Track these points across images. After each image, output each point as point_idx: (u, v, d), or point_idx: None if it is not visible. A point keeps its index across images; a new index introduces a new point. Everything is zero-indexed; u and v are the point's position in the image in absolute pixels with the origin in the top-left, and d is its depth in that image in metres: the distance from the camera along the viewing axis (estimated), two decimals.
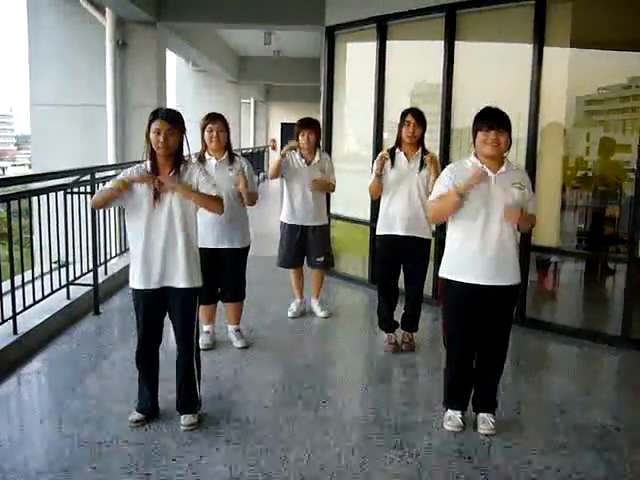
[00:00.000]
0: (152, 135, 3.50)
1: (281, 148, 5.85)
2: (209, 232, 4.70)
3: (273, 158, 5.86)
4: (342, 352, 5.18)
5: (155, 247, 3.58)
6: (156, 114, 3.53)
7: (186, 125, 3.65)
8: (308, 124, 5.62)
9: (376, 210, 5.26)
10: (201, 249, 3.97)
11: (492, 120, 3.52)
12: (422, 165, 4.88)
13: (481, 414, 3.78)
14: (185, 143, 3.64)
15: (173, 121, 3.53)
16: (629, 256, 5.36)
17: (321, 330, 5.69)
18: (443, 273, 3.74)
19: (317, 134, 5.66)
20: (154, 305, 3.68)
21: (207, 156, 4.81)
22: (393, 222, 4.95)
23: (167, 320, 3.78)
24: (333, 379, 4.56)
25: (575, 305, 6.44)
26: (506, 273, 3.60)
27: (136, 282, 3.64)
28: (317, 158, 5.65)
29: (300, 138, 5.58)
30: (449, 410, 3.82)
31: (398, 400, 4.20)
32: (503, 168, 3.56)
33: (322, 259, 5.87)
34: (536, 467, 3.35)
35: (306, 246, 5.82)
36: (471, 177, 3.50)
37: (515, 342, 5.11)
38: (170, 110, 3.70)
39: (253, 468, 3.27)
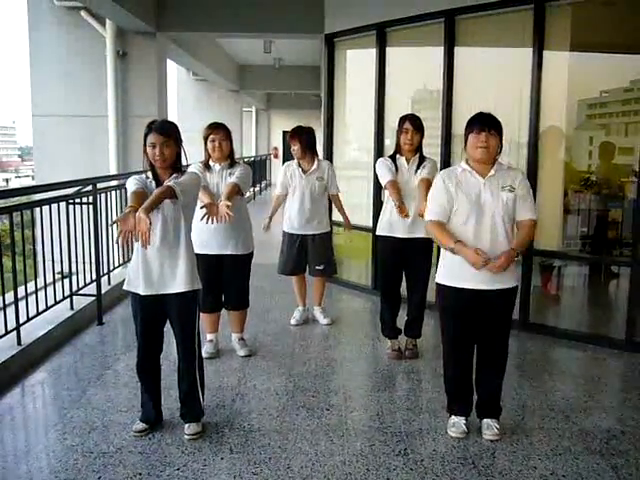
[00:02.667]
0: (148, 149, 3.53)
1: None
2: (212, 238, 4.71)
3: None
4: (345, 359, 5.16)
5: (151, 252, 3.58)
6: (150, 128, 3.55)
7: (187, 134, 3.66)
8: (292, 135, 5.69)
9: (378, 216, 5.25)
10: (204, 255, 3.97)
11: (483, 123, 3.54)
12: (418, 167, 4.89)
13: (485, 420, 3.77)
14: (182, 153, 3.65)
15: (167, 133, 3.55)
16: (632, 259, 5.35)
17: (324, 337, 5.68)
18: (438, 278, 3.76)
19: (305, 142, 5.64)
20: (152, 313, 3.68)
21: (211, 163, 4.81)
22: (394, 225, 4.95)
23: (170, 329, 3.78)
24: (337, 386, 4.55)
25: (578, 309, 6.43)
26: (500, 276, 3.58)
27: (134, 287, 3.64)
28: (314, 166, 5.67)
29: (292, 149, 5.70)
30: (453, 416, 3.82)
31: (402, 407, 4.18)
32: (492, 171, 3.56)
33: (322, 267, 5.87)
34: (541, 472, 3.33)
35: (307, 254, 5.83)
36: (471, 256, 3.48)
37: (518, 347, 5.13)
38: (164, 122, 3.71)
39: (257, 476, 3.26)
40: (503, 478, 3.28)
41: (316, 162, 5.70)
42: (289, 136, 5.71)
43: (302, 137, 5.66)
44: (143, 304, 3.65)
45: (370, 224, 7.00)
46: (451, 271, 3.67)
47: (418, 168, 4.90)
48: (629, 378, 4.96)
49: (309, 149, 5.70)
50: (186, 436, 3.68)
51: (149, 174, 3.63)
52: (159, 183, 3.58)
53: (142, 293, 3.61)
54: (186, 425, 3.73)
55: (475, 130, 3.54)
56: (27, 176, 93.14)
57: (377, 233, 5.13)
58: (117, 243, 3.28)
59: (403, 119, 4.94)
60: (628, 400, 4.40)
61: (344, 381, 4.70)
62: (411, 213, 4.87)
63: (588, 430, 3.84)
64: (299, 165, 5.70)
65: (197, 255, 3.86)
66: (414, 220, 4.88)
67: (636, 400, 4.37)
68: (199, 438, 3.67)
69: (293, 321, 5.98)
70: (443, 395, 4.15)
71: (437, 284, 3.78)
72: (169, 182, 3.52)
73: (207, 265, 4.60)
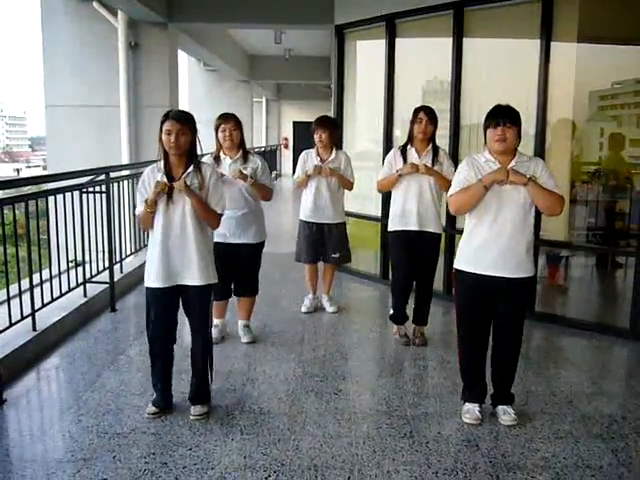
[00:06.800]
0: (164, 136, 3.60)
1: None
2: (224, 227, 4.77)
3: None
4: (354, 346, 5.25)
5: (170, 245, 3.69)
6: (167, 115, 3.64)
7: (197, 124, 3.75)
8: (322, 123, 5.73)
9: (387, 206, 5.33)
10: (216, 244, 4.07)
11: (499, 116, 3.59)
12: (434, 161, 4.97)
13: (501, 406, 3.84)
14: (198, 143, 3.74)
15: (184, 121, 3.63)
16: (638, 249, 5.41)
17: (333, 325, 5.77)
18: (456, 264, 3.83)
19: (331, 132, 5.72)
20: (169, 303, 3.79)
21: (222, 155, 4.91)
22: (407, 218, 5.03)
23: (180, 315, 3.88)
24: (345, 372, 4.63)
25: (584, 299, 6.49)
26: (517, 265, 3.65)
27: (152, 280, 3.75)
28: (332, 156, 5.74)
29: (315, 137, 5.71)
30: (467, 403, 3.89)
31: (408, 391, 4.27)
32: (513, 162, 3.61)
33: (337, 255, 5.96)
34: (543, 455, 3.42)
35: (322, 243, 5.92)
36: (496, 173, 3.56)
37: (524, 335, 5.19)
38: (181, 111, 3.82)
39: (267, 457, 3.36)
40: (506, 460, 3.37)
41: (334, 152, 5.78)
42: (319, 123, 5.72)
43: (333, 126, 5.79)
44: (161, 295, 3.75)
45: (379, 214, 7.08)
46: (469, 257, 3.75)
47: (433, 162, 4.98)
48: (632, 366, 5.04)
49: (334, 140, 5.79)
50: (192, 417, 3.79)
51: (161, 165, 3.71)
52: (171, 175, 3.67)
53: (162, 286, 3.72)
54: (192, 407, 3.84)
55: (492, 124, 3.60)
56: (37, 166, 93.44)
57: (390, 229, 5.20)
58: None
59: (418, 110, 5.02)
60: (631, 387, 4.47)
61: (352, 367, 4.79)
62: (422, 207, 4.97)
63: (590, 415, 3.92)
64: (318, 154, 5.78)
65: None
66: (425, 213, 4.99)
67: (638, 387, 4.44)
68: (204, 419, 3.78)
69: (304, 309, 6.06)
70: (449, 381, 4.26)
71: (455, 269, 3.85)
72: (214, 200, 3.73)
73: (218, 253, 4.68)
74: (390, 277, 5.49)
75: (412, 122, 5.02)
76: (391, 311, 5.34)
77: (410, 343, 5.16)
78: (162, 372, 3.90)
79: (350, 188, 5.96)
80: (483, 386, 3.89)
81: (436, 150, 5.04)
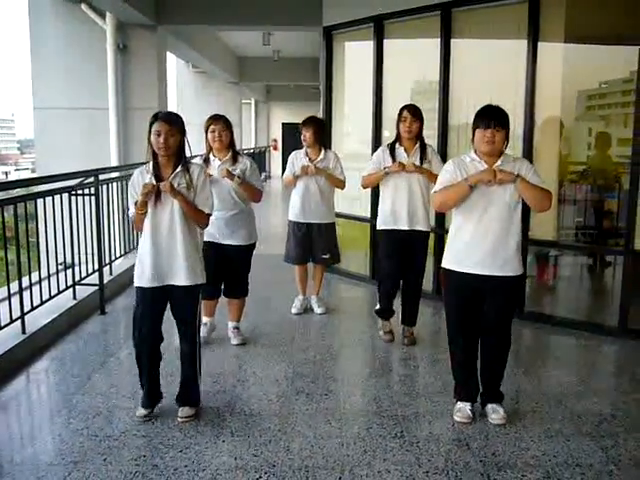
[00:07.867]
0: (153, 137, 3.61)
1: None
2: (214, 228, 4.78)
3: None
4: (344, 346, 5.26)
5: (159, 245, 3.69)
6: (156, 117, 3.64)
7: (186, 127, 3.75)
8: (307, 122, 5.79)
9: (377, 207, 5.34)
10: (206, 243, 4.08)
11: (489, 119, 3.61)
12: (422, 159, 4.99)
13: (490, 405, 3.85)
14: (186, 144, 3.74)
15: (172, 122, 3.63)
16: (625, 248, 5.44)
17: (324, 326, 5.78)
18: (444, 263, 3.85)
19: (317, 131, 5.75)
20: (157, 302, 3.78)
21: (212, 157, 4.91)
22: (396, 217, 5.05)
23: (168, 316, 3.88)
24: (335, 372, 4.64)
25: (573, 298, 6.52)
26: (504, 264, 3.67)
27: (141, 280, 3.74)
28: (321, 156, 5.76)
29: (303, 136, 5.73)
30: (458, 402, 3.90)
31: (399, 392, 4.27)
32: (499, 162, 3.63)
33: (327, 256, 5.97)
34: (533, 453, 3.43)
35: (311, 243, 5.93)
36: (483, 173, 3.58)
37: (514, 334, 5.19)
38: (169, 112, 3.83)
39: (257, 458, 3.36)
40: (496, 459, 3.38)
41: (323, 152, 5.80)
42: (303, 123, 5.80)
43: (317, 125, 5.81)
44: (149, 294, 3.74)
45: (368, 215, 7.10)
46: (456, 256, 3.76)
47: (422, 160, 5.00)
48: (621, 364, 5.07)
49: (319, 139, 5.81)
50: (179, 419, 3.78)
51: (150, 167, 3.71)
52: (160, 176, 3.67)
53: (150, 285, 3.72)
54: (180, 408, 3.83)
55: (481, 126, 3.61)
56: (26, 169, 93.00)
57: (379, 227, 5.21)
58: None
59: (402, 109, 5.05)
60: (619, 385, 4.50)
61: (343, 367, 4.80)
62: (411, 206, 4.99)
63: (580, 414, 3.93)
64: (307, 154, 5.80)
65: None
66: (415, 212, 5.01)
67: (627, 385, 4.48)
68: (192, 421, 3.77)
69: (294, 310, 6.06)
70: (439, 380, 4.27)
71: (442, 269, 3.87)
72: (201, 199, 3.72)
73: (210, 253, 4.68)
74: (378, 275, 5.50)
75: (397, 121, 5.06)
76: (377, 306, 5.37)
77: (394, 339, 5.19)
78: (149, 372, 3.88)
79: (342, 187, 5.96)
80: (475, 385, 3.90)
81: (424, 148, 5.06)
